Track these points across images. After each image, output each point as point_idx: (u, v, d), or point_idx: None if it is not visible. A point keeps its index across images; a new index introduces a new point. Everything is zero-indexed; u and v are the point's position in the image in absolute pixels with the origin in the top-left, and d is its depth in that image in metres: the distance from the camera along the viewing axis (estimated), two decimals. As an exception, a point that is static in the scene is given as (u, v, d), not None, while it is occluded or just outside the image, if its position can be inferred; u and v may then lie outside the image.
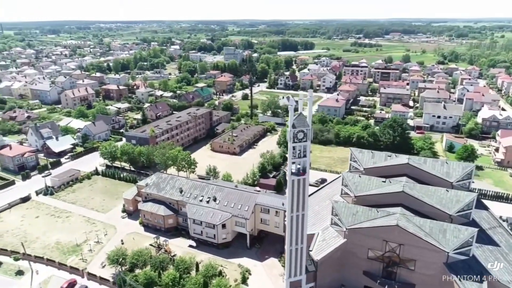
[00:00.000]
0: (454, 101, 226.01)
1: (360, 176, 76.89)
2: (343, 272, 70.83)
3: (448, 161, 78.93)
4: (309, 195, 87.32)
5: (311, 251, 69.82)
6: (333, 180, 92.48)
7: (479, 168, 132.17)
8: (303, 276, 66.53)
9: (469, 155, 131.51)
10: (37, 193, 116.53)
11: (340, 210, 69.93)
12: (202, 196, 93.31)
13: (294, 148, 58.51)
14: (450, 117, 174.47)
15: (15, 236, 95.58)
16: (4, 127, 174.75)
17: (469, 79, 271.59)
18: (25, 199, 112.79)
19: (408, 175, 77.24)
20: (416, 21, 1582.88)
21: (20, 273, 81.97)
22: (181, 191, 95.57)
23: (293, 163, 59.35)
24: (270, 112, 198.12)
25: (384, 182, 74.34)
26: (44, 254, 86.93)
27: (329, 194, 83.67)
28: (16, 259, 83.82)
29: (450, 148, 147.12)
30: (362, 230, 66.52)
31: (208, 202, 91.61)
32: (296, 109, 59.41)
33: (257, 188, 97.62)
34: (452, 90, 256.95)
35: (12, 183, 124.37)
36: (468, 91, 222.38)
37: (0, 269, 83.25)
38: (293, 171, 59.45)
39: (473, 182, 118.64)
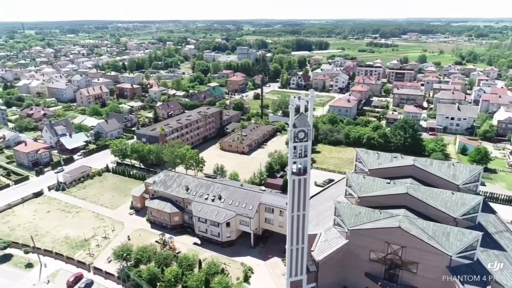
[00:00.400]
0: (470, 102, 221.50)
1: (364, 177, 76.22)
2: (345, 273, 70.32)
3: (455, 163, 77.35)
4: (314, 196, 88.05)
5: (313, 251, 69.70)
6: (338, 181, 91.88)
7: (492, 171, 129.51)
8: (304, 276, 66.36)
9: (482, 158, 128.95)
10: (49, 188, 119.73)
11: (342, 211, 69.47)
12: (207, 194, 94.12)
13: (295, 147, 58.44)
14: (464, 119, 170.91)
15: (27, 229, 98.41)
16: (21, 124, 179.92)
17: (487, 80, 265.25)
18: (38, 194, 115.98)
19: (414, 176, 76.14)
20: (436, 21, 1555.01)
21: (29, 265, 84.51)
22: (187, 189, 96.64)
23: (294, 162, 59.36)
24: (280, 112, 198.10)
25: (389, 183, 73.48)
26: (53, 248, 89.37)
27: (334, 195, 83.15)
28: (26, 252, 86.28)
29: (463, 151, 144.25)
30: (364, 231, 65.94)
31: (213, 200, 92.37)
32: (298, 109, 59.45)
33: (262, 188, 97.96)
34: (468, 91, 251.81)
35: (26, 178, 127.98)
36: (484, 92, 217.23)
37: (11, 261, 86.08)
38: (294, 170, 59.38)
39: (484, 185, 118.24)
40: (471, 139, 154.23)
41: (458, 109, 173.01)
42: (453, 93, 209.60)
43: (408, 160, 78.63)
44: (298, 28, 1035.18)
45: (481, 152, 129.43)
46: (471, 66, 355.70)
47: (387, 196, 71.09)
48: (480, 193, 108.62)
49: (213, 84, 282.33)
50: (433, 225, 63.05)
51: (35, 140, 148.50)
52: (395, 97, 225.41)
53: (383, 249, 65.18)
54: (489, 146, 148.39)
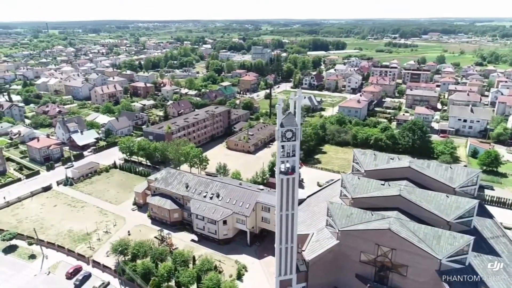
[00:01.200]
0: (487, 104, 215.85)
1: (359, 178, 75.63)
2: (336, 274, 69.83)
3: (453, 166, 75.80)
4: (310, 196, 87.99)
5: (303, 251, 69.70)
6: (335, 181, 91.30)
7: (503, 175, 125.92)
8: (294, 275, 66.43)
9: (492, 161, 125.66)
10: (58, 183, 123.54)
11: (334, 212, 69.12)
12: (206, 192, 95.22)
13: (283, 147, 58.70)
14: (477, 121, 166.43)
15: (34, 222, 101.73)
16: (37, 121, 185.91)
17: (506, 81, 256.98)
18: (46, 189, 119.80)
19: (409, 178, 75.07)
20: (459, 20, 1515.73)
21: (32, 257, 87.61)
22: (187, 187, 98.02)
23: (282, 162, 59.55)
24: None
25: (383, 185, 72.66)
26: (56, 241, 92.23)
27: (329, 195, 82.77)
28: (30, 244, 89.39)
29: (473, 154, 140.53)
30: (354, 233, 65.44)
31: (211, 198, 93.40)
32: (287, 108, 59.83)
33: (260, 187, 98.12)
34: (487, 93, 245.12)
35: (37, 173, 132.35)
36: (502, 94, 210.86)
37: (15, 252, 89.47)
38: (282, 170, 59.59)
39: (493, 189, 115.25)
40: (482, 142, 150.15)
41: (471, 111, 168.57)
42: (468, 94, 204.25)
43: (404, 162, 77.51)
44: (316, 28, 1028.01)
45: (491, 155, 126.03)
46: (492, 67, 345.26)
47: (380, 198, 70.33)
48: (487, 197, 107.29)
49: (225, 83, 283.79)
50: (424, 228, 62.08)
51: (48, 136, 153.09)
52: (408, 98, 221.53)
53: (374, 250, 64.54)
54: (502, 150, 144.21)
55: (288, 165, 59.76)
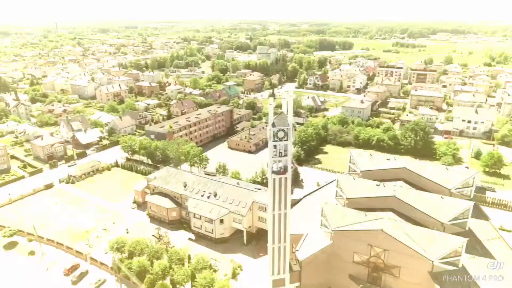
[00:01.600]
0: (493, 105, 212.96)
1: (354, 179, 75.44)
2: (329, 274, 69.80)
3: (449, 167, 75.26)
4: (306, 196, 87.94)
5: (297, 251, 69.72)
6: (332, 182, 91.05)
7: (505, 177, 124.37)
8: (287, 275, 66.47)
9: (495, 163, 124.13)
10: (60, 181, 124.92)
11: (328, 212, 69.09)
12: (204, 191, 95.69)
13: (275, 146, 58.74)
14: (482, 122, 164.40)
15: (34, 219, 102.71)
16: (42, 119, 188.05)
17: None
18: (49, 186, 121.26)
19: (405, 179, 74.70)
20: (469, 21, 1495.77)
21: (32, 253, 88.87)
22: (185, 186, 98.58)
23: (275, 161, 59.61)
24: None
25: (378, 186, 72.40)
26: (55, 238, 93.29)
27: (326, 196, 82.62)
28: (30, 241, 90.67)
29: (477, 155, 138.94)
30: (347, 233, 65.32)
31: (209, 197, 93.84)
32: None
33: (258, 186, 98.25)
34: (494, 94, 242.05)
35: (40, 171, 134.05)
36: (509, 95, 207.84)
37: (15, 248, 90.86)
38: (274, 169, 59.65)
39: (495, 191, 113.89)
40: (486, 143, 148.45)
41: (476, 112, 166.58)
42: (473, 95, 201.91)
43: (400, 163, 77.18)
44: (324, 28, 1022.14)
45: (494, 157, 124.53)
46: (500, 68, 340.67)
47: (374, 199, 70.18)
48: (488, 198, 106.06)
49: (230, 83, 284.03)
50: (417, 229, 61.80)
51: (52, 135, 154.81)
52: (412, 98, 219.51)
53: (366, 251, 64.37)
54: (506, 151, 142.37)
55: (280, 164, 59.92)
